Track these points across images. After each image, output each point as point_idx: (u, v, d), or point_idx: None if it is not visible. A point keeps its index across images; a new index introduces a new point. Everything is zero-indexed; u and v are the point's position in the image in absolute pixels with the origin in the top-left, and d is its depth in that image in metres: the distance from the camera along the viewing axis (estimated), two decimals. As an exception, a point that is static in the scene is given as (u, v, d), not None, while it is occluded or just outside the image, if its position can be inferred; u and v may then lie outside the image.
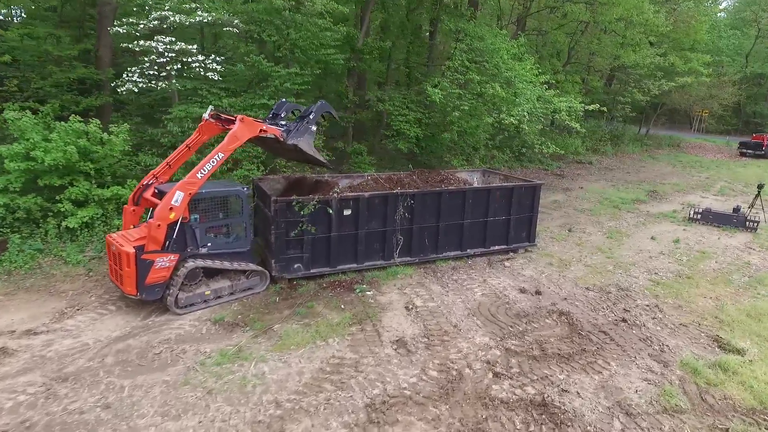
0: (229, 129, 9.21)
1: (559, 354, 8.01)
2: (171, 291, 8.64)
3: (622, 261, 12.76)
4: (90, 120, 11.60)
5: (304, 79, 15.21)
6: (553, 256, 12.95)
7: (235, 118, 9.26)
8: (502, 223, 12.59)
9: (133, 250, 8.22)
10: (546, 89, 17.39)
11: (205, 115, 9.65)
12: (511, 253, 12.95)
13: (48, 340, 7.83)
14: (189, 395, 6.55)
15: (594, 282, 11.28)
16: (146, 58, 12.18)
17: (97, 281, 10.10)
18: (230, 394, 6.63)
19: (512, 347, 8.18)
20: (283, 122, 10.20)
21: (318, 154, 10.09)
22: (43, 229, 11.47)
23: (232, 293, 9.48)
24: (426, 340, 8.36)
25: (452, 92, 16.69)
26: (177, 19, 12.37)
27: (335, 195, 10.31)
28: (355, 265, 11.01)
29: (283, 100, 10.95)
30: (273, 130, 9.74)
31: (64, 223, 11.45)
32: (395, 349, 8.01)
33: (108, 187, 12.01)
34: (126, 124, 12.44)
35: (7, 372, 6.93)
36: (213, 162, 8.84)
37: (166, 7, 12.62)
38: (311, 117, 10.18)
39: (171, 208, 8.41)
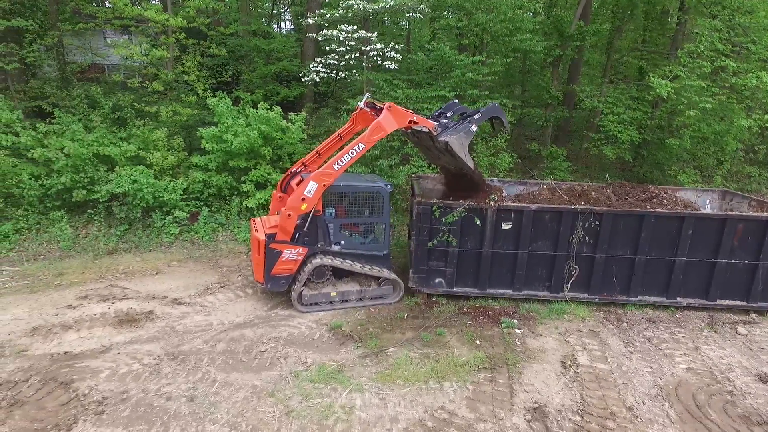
0: (381, 118, 8.25)
1: None
2: (296, 286, 8.19)
3: None
4: (272, 108, 12.18)
5: (491, 68, 13.42)
6: (833, 333, 8.40)
7: (384, 106, 8.25)
8: (743, 269, 8.68)
9: (263, 238, 7.98)
10: None
11: (360, 104, 8.93)
12: (754, 315, 8.88)
13: (185, 312, 8.20)
14: (267, 410, 5.80)
15: None
16: (327, 48, 12.21)
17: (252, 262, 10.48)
18: (307, 422, 5.63)
19: (723, 474, 5.15)
20: (444, 119, 8.75)
21: (469, 158, 8.37)
22: (229, 207, 12.61)
23: (360, 299, 8.59)
24: (578, 418, 5.94)
25: (690, 84, 12.59)
26: (362, 6, 12.06)
27: (492, 204, 8.42)
28: (510, 292, 8.94)
29: (455, 101, 9.49)
30: (426, 122, 8.40)
31: (245, 203, 12.37)
32: (528, 421, 5.86)
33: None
34: (303, 113, 12.76)
35: (140, 336, 7.37)
36: (352, 153, 8.00)
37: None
38: (475, 117, 8.49)
39: (303, 199, 7.89)
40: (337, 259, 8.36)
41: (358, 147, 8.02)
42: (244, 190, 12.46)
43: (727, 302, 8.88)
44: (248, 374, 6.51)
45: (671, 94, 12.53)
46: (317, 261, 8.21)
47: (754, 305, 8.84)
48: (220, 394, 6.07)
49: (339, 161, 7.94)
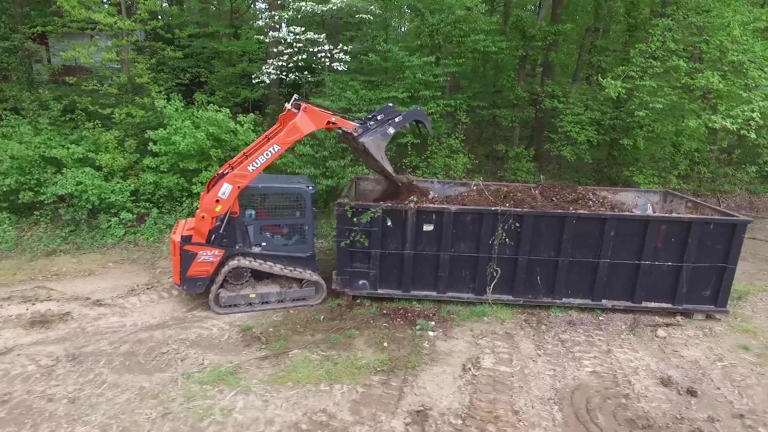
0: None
1: None
2: (213, 287, 8.22)
3: None
4: (219, 110, 12.23)
5: (445, 69, 13.37)
6: (758, 336, 8.27)
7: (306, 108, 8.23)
8: (668, 271, 8.57)
9: (179, 240, 8.02)
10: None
11: (288, 105, 8.90)
12: (679, 318, 8.77)
13: (102, 313, 8.26)
14: (145, 412, 5.82)
15: (818, 400, 6.60)
16: (274, 50, 12.24)
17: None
18: (180, 424, 5.65)
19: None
20: (373, 122, 8.70)
21: (385, 161, 8.35)
22: (180, 208, 12.67)
23: (280, 300, 8.59)
24: (459, 422, 5.90)
25: (642, 84, 12.44)
26: (310, 8, 12.07)
27: (412, 205, 8.38)
28: (434, 294, 8.90)
29: (390, 104, 9.44)
30: (345, 123, 8.40)
31: (196, 204, 12.42)
32: (406, 424, 5.83)
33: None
34: (252, 114, 12.79)
35: (48, 337, 7.45)
36: (267, 155, 8.01)
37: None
38: (396, 120, 8.45)
39: (217, 201, 7.92)
40: (255, 260, 8.37)
41: (273, 148, 8.03)
42: (196, 191, 12.52)
43: (653, 304, 8.78)
44: (141, 376, 6.54)
45: (622, 95, 12.40)
46: (233, 263, 8.23)
47: (680, 307, 8.72)
48: (104, 396, 6.11)
49: (253, 163, 7.96)
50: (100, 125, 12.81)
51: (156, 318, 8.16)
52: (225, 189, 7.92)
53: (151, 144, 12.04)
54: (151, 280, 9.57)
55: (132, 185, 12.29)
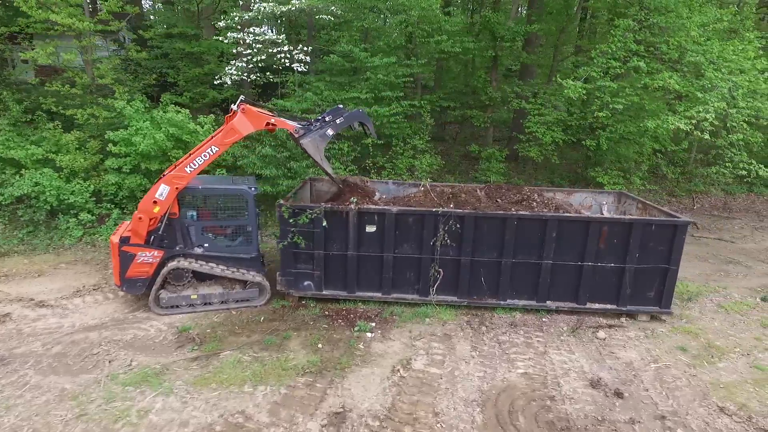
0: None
1: None
2: (153, 288, 8.22)
3: (835, 374, 7.29)
4: (180, 110, 12.23)
5: (407, 70, 13.37)
6: (699, 337, 8.28)
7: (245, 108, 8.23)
8: (611, 272, 8.58)
9: (117, 241, 8.02)
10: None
11: (233, 106, 8.91)
12: (624, 319, 8.76)
13: (42, 315, 8.26)
14: (60, 414, 5.82)
15: (747, 401, 6.60)
16: (234, 51, 12.24)
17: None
18: (94, 426, 5.65)
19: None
20: (317, 123, 8.69)
21: (325, 162, 8.36)
22: (142, 209, 12.64)
23: (223, 302, 8.59)
24: (376, 424, 5.89)
25: (603, 85, 12.46)
26: (269, 8, 12.07)
27: (352, 206, 8.38)
28: (379, 295, 8.90)
29: (340, 106, 9.43)
30: (285, 125, 8.40)
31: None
32: (323, 426, 5.83)
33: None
34: (212, 115, 12.79)
35: (-19, 339, 7.44)
36: (205, 156, 8.02)
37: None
38: (336, 122, 8.45)
39: (155, 202, 7.92)
40: (195, 261, 8.37)
41: (212, 149, 8.03)
42: (157, 192, 12.49)
43: (597, 306, 8.78)
44: (65, 377, 6.54)
45: (582, 95, 12.42)
46: (173, 264, 8.22)
47: (624, 309, 8.73)
48: (23, 397, 6.10)
49: (191, 164, 7.97)
50: (60, 126, 12.80)
51: (96, 319, 8.16)
52: (162, 190, 7.93)
53: (111, 145, 12.04)
54: (99, 281, 9.57)
55: (92, 186, 12.29)
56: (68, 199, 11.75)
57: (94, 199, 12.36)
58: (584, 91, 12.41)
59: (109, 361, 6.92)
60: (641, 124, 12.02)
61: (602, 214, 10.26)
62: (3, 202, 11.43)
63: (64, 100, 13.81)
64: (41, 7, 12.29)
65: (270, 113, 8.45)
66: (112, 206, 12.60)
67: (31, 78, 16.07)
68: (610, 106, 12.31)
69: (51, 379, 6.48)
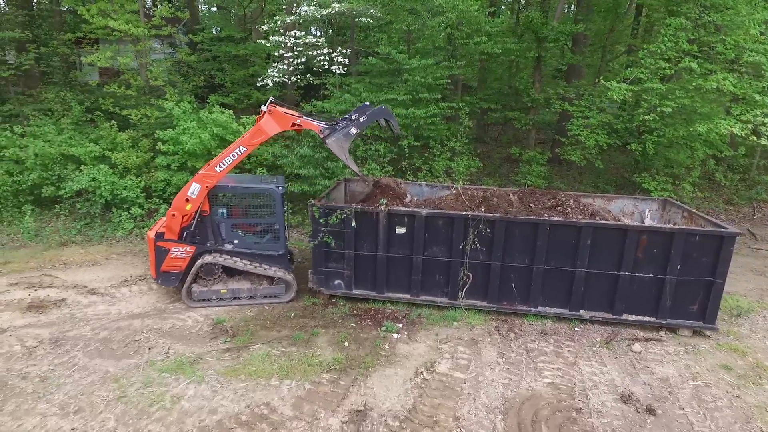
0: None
1: None
2: (186, 282, 8.64)
3: None
4: (224, 111, 12.76)
5: (447, 72, 13.32)
6: (746, 356, 7.80)
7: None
8: (650, 283, 8.23)
9: (152, 236, 8.49)
10: None
11: (263, 107, 9.22)
12: (663, 333, 8.38)
13: (93, 301, 8.87)
14: (102, 394, 6.26)
15: (790, 427, 6.18)
16: (276, 54, 12.62)
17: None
18: (131, 408, 6.04)
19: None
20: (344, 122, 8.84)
21: (351, 161, 8.47)
22: (188, 204, 13.30)
23: (251, 297, 8.90)
24: (396, 424, 5.96)
25: (651, 87, 11.92)
26: (311, 12, 12.37)
27: (382, 208, 8.48)
28: (408, 296, 8.95)
29: (366, 103, 9.57)
30: (310, 125, 8.59)
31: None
32: (343, 423, 5.96)
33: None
34: (254, 116, 13.22)
35: (39, 321, 8.09)
36: (233, 156, 8.36)
37: (314, 1, 12.76)
38: (360, 120, 8.55)
39: (187, 199, 8.33)
40: (226, 257, 8.71)
41: (240, 149, 8.36)
42: (201, 189, 13.10)
43: (634, 317, 8.45)
44: (109, 361, 7.02)
45: (628, 98, 11.95)
46: (204, 259, 8.60)
47: (663, 322, 8.35)
48: (72, 377, 6.60)
49: (221, 163, 8.32)
50: (116, 125, 13.65)
51: (140, 308, 8.68)
52: (194, 188, 8.33)
53: (159, 144, 12.73)
54: (145, 273, 10.15)
55: (143, 182, 13.04)
56: (121, 194, 12.53)
57: (144, 194, 13.10)
58: (630, 94, 11.93)
59: (149, 348, 7.35)
60: (692, 129, 11.40)
61: (644, 222, 9.84)
62: (64, 196, 12.33)
63: (121, 101, 14.74)
64: (101, 14, 13.16)
65: (297, 114, 8.65)
66: (161, 201, 13.30)
67: (95, 80, 17.26)
68: (659, 109, 11.75)
69: (97, 362, 6.97)
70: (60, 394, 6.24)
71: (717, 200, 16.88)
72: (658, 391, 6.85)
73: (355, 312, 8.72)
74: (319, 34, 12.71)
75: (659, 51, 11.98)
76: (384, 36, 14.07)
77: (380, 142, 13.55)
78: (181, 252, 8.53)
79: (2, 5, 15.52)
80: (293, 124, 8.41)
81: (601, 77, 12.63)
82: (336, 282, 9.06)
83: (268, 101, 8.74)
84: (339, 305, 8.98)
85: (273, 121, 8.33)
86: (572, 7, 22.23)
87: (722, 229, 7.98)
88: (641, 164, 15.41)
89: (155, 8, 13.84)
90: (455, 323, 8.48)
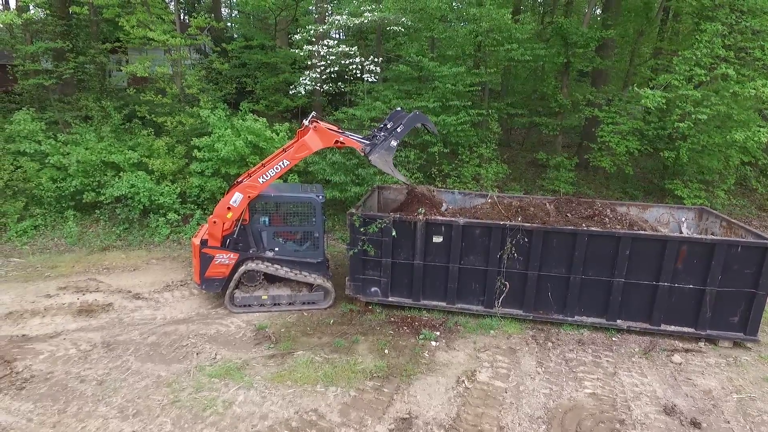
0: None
1: None
2: (229, 288, 8.88)
3: None
4: (257, 119, 13.04)
5: (475, 79, 13.40)
6: (789, 369, 7.72)
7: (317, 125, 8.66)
8: (689, 294, 8.20)
9: (198, 243, 8.75)
10: None
11: (305, 122, 9.41)
12: (703, 344, 8.34)
13: (139, 306, 9.18)
14: (157, 399, 6.51)
15: (840, 443, 6.12)
16: (308, 62, 12.85)
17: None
18: (186, 412, 6.27)
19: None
20: (382, 134, 8.96)
21: (396, 172, 8.59)
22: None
23: (291, 303, 9.11)
24: (442, 433, 6.08)
25: (685, 94, 11.84)
26: (343, 21, 12.58)
27: (420, 217, 8.61)
28: (443, 304, 9.06)
29: (398, 109, 9.69)
30: (352, 143, 8.74)
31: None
32: (390, 430, 6.10)
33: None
34: (287, 123, 13.49)
35: (90, 325, 8.42)
36: (277, 168, 8.55)
37: (345, 11, 13.00)
38: (398, 130, 8.67)
39: (229, 208, 8.57)
40: (268, 265, 8.93)
41: (283, 163, 8.55)
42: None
43: (673, 328, 8.42)
44: (160, 365, 7.28)
45: (661, 105, 11.87)
46: (246, 266, 8.83)
47: (703, 333, 8.30)
48: (127, 381, 6.87)
49: (264, 175, 8.53)
50: (152, 132, 14.03)
51: (183, 313, 8.96)
52: (236, 198, 8.56)
53: (195, 151, 13.06)
54: (185, 278, 10.45)
55: (179, 188, 13.39)
56: (158, 199, 12.88)
57: (180, 200, 13.45)
58: (663, 100, 11.85)
59: (197, 353, 7.60)
60: (728, 136, 11.28)
61: (681, 232, 9.78)
62: (105, 202, 12.73)
63: (156, 108, 15.14)
64: (140, 25, 13.56)
65: (339, 131, 8.80)
66: (195, 207, 13.64)
67: (125, 85, 17.76)
68: (693, 116, 11.65)
69: (148, 366, 7.24)
70: (118, 398, 6.51)
71: (750, 206, 16.59)
72: (701, 403, 6.84)
73: (392, 319, 8.87)
74: (340, 38, 12.83)
75: (694, 57, 11.88)
76: (414, 44, 14.20)
77: (410, 148, 13.68)
78: (225, 259, 8.78)
79: (43, 16, 15.93)
80: (336, 141, 8.57)
81: (634, 84, 12.54)
82: (373, 289, 9.21)
83: (311, 116, 8.93)
84: (376, 312, 9.13)
85: (317, 137, 8.50)
86: (594, 10, 22.10)
87: (765, 241, 7.91)
88: (670, 170, 15.26)
89: (190, 18, 14.14)
90: (492, 331, 8.56)
